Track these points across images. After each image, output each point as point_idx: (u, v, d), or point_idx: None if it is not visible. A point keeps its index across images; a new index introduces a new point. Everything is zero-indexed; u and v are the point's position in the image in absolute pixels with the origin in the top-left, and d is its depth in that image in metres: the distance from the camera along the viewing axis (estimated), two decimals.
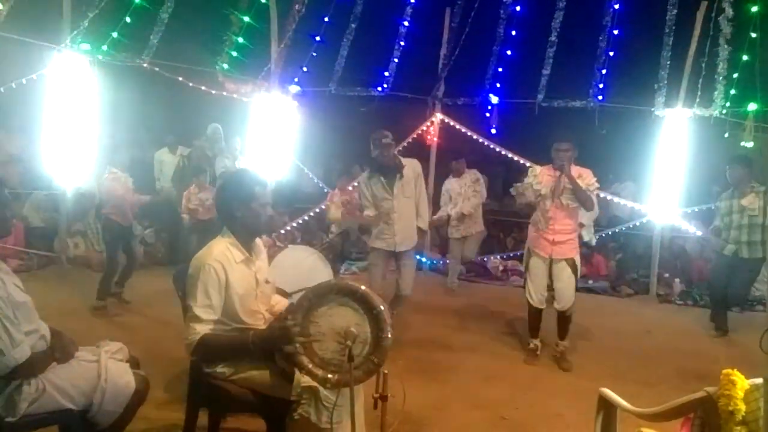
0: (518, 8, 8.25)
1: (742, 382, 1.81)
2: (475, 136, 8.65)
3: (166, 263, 7.63)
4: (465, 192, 7.50)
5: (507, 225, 10.18)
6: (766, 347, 1.53)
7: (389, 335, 2.49)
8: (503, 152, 8.62)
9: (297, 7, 7.17)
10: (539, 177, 4.94)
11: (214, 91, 7.77)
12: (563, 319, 4.99)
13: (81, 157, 7.19)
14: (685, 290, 7.89)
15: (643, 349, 5.67)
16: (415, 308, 6.43)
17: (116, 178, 5.87)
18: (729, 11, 6.92)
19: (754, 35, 6.93)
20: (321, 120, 9.77)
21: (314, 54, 8.06)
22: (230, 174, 3.37)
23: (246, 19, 7.51)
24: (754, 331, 1.85)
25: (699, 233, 8.00)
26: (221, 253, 2.62)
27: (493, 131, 8.98)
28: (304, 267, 3.41)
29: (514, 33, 8.37)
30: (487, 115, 8.87)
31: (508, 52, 8.51)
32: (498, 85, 8.66)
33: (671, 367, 5.10)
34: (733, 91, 7.20)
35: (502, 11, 8.36)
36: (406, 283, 5.13)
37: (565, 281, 4.88)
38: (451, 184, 7.60)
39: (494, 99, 8.63)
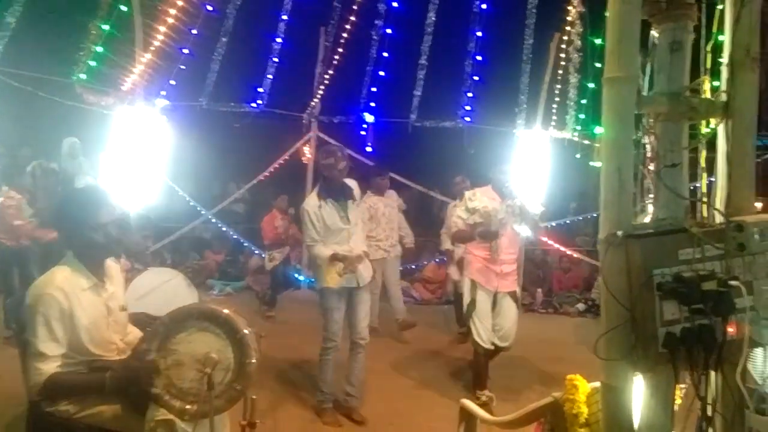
0: (389, 31, 8.51)
1: (584, 387, 1.95)
2: (351, 154, 8.73)
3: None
4: (389, 214, 6.62)
5: None
6: (600, 353, 1.65)
7: (254, 360, 2.40)
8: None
9: (163, 17, 6.85)
10: (481, 201, 4.53)
11: (68, 102, 7.20)
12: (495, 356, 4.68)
13: None
14: (546, 299, 8.44)
15: (510, 357, 5.96)
16: (290, 329, 6.32)
17: (11, 199, 5.48)
18: (577, 42, 7.59)
19: (599, 65, 7.65)
20: (193, 136, 9.36)
21: (182, 67, 7.76)
22: (70, 193, 3.06)
23: (106, 27, 7.05)
24: None
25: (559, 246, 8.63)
26: (64, 280, 2.39)
27: (369, 149, 9.16)
28: (165, 291, 3.20)
29: (386, 54, 8.62)
30: (363, 133, 9.03)
31: (381, 73, 8.74)
32: (372, 104, 8.84)
33: (534, 373, 5.41)
34: (582, 116, 7.90)
35: (374, 33, 8.58)
36: (363, 324, 4.28)
37: (512, 318, 4.58)
38: (373, 202, 6.59)
39: (369, 118, 8.80)
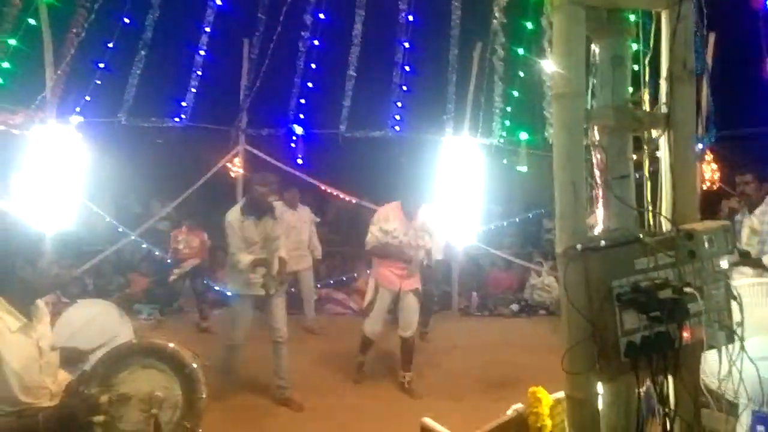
0: (316, 42, 8.44)
1: (546, 399, 1.96)
2: (282, 166, 8.59)
3: None
4: (300, 226, 7.16)
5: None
6: (567, 367, 1.66)
7: (204, 395, 2.28)
8: (311, 181, 8.68)
9: (75, 30, 6.47)
10: (393, 223, 5.09)
11: None
12: (408, 347, 5.21)
13: None
14: (481, 302, 8.59)
15: (451, 363, 6.02)
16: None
17: None
18: (500, 52, 7.80)
19: (522, 74, 7.90)
20: (112, 153, 8.90)
21: (98, 82, 7.35)
22: (5, 225, 2.72)
23: (12, 42, 6.58)
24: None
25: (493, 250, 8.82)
26: None
27: (300, 161, 9.03)
28: (97, 324, 2.98)
29: (314, 66, 8.54)
30: (293, 145, 8.90)
31: (309, 84, 8.65)
32: (302, 116, 8.73)
33: (476, 378, 5.47)
34: (507, 123, 8.12)
35: (300, 44, 8.48)
36: (281, 323, 4.90)
37: (412, 310, 5.17)
38: (285, 216, 6.98)
39: (299, 130, 8.68)
